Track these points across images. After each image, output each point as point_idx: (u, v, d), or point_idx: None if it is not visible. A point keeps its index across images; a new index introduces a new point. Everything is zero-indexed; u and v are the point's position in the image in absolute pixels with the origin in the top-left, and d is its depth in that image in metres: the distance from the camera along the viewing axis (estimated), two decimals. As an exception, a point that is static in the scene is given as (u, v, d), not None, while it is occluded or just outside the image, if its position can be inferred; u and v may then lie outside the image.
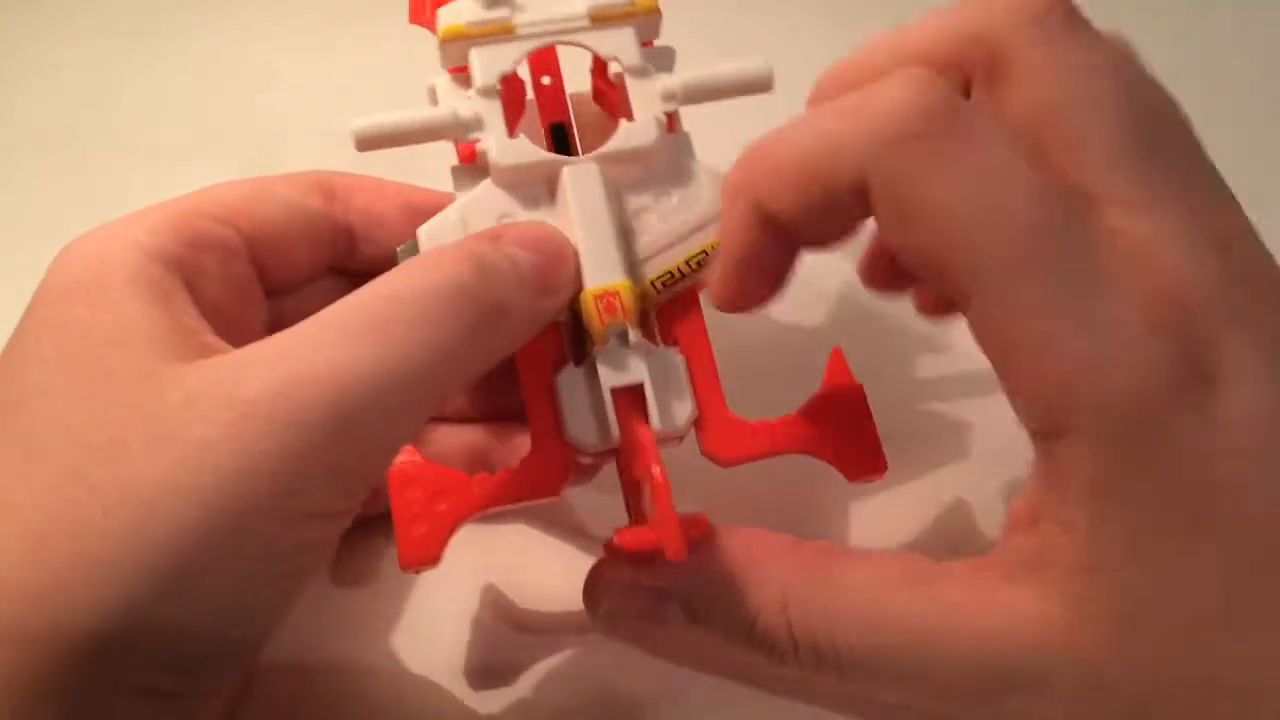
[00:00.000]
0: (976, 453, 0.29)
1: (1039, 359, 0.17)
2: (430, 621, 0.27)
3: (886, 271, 0.26)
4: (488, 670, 0.26)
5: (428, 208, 0.25)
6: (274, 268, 0.24)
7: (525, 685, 0.26)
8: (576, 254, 0.23)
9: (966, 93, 0.21)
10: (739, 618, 0.21)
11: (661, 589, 0.21)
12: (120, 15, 0.37)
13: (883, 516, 0.28)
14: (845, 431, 0.24)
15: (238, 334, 0.22)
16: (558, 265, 0.22)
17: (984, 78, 0.20)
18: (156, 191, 0.32)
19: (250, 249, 0.23)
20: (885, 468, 0.24)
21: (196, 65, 0.37)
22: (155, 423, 0.18)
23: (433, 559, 0.22)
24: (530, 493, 0.23)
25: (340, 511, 0.19)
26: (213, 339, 0.20)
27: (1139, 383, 0.17)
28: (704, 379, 0.24)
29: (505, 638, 0.27)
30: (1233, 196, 0.19)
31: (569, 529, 0.28)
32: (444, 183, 0.25)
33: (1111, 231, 0.18)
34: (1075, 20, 0.19)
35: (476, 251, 0.21)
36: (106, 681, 0.17)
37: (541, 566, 0.28)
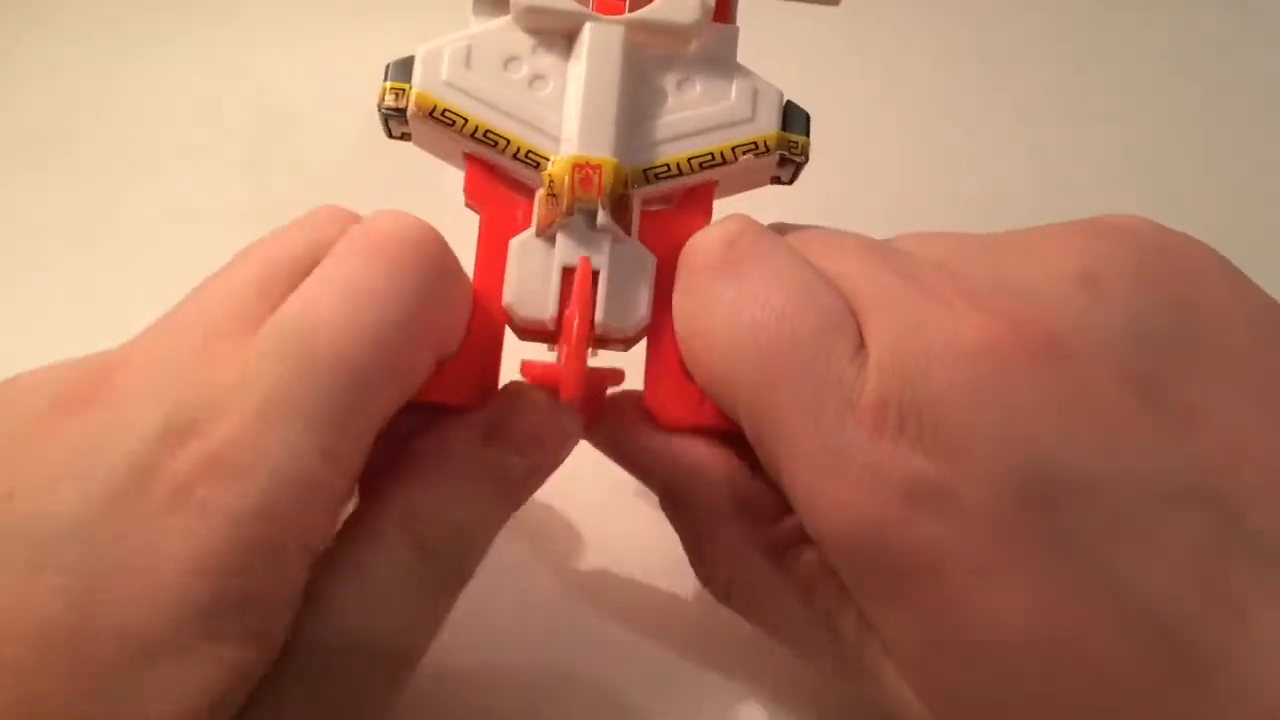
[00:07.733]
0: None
1: (794, 482, 0.19)
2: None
3: None
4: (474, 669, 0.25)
5: None
6: None
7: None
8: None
9: None
10: (714, 508, 0.21)
11: (643, 468, 0.22)
12: (120, 15, 0.37)
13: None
14: None
15: None
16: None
17: None
18: (155, 191, 0.33)
19: None
20: None
21: (196, 65, 0.36)
22: None
23: None
24: (448, 394, 0.20)
25: None
26: None
27: (866, 493, 0.18)
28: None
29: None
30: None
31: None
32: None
33: (858, 348, 0.19)
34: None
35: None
36: None
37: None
